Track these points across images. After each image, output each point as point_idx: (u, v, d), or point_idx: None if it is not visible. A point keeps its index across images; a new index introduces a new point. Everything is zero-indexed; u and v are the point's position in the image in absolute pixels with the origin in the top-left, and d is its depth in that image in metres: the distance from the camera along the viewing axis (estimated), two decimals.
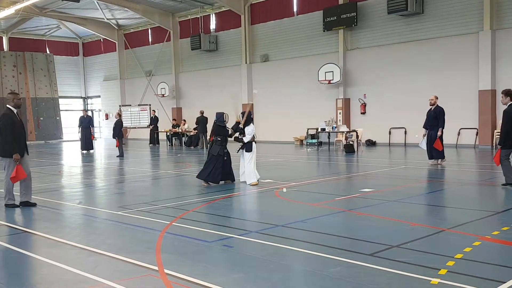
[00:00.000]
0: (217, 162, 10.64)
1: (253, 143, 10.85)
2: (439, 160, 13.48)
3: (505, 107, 9.45)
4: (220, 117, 10.92)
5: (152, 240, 6.01)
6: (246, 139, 10.74)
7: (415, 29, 20.60)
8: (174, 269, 4.79)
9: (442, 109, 13.47)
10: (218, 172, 10.64)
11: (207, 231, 6.42)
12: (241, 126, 10.86)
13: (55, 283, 4.74)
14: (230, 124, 11.22)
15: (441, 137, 13.28)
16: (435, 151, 13.35)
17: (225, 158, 10.80)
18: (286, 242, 5.79)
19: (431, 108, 13.61)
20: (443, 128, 13.33)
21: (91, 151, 22.27)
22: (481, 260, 4.87)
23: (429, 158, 13.61)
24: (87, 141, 22.23)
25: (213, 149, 10.76)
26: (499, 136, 9.59)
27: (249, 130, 10.78)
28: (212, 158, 10.67)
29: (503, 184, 9.59)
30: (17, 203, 8.48)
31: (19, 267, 5.22)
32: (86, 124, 22.45)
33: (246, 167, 10.74)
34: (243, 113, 11.09)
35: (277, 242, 5.77)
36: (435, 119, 13.38)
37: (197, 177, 10.86)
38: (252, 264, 4.97)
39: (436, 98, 13.70)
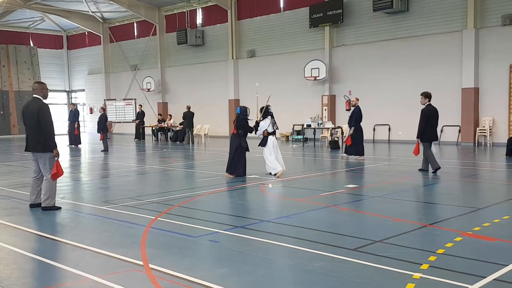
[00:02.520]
0: (244, 154, 11.17)
1: (270, 137, 11.16)
2: (347, 155, 14.70)
3: (423, 106, 11.35)
4: (244, 111, 11.34)
5: (136, 235, 6.00)
6: (258, 133, 11.24)
7: (400, 26, 20.76)
8: (159, 264, 4.79)
9: (358, 110, 14.54)
10: (243, 164, 11.18)
11: (193, 226, 6.43)
12: (257, 120, 11.40)
13: (38, 277, 4.72)
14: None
15: (352, 135, 14.37)
16: (349, 146, 14.53)
17: (248, 150, 11.33)
18: (271, 237, 5.83)
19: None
20: (354, 126, 14.42)
21: (74, 146, 21.95)
22: (462, 255, 4.96)
23: (353, 155, 14.70)
24: (70, 136, 21.95)
25: (243, 142, 11.14)
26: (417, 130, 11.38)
27: (261, 125, 11.18)
28: (243, 151, 11.08)
29: (433, 172, 11.19)
30: (58, 204, 7.75)
31: (1, 262, 5.17)
32: (71, 118, 22.12)
33: (266, 160, 11.18)
34: (261, 109, 11.46)
35: (263, 237, 5.80)
36: (351, 119, 14.61)
37: (232, 174, 11.12)
38: (237, 259, 4.99)
39: (357, 99, 14.88)
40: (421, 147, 11.48)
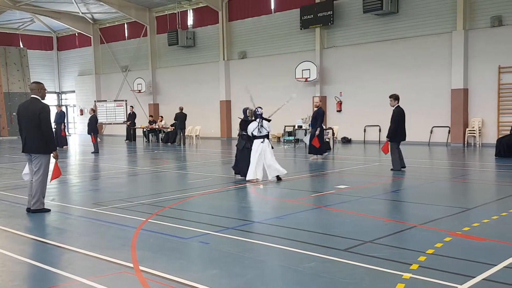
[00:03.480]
0: (249, 155, 10.82)
1: (255, 141, 10.61)
2: (318, 156, 14.98)
3: (393, 108, 11.84)
4: (244, 113, 11.13)
5: (127, 237, 5.97)
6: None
7: (390, 28, 20.87)
8: (149, 266, 4.78)
9: (322, 111, 15.16)
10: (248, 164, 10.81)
11: (183, 228, 6.42)
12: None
13: (28, 280, 4.68)
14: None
15: (318, 136, 14.71)
16: (313, 147, 14.88)
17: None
18: (262, 238, 5.83)
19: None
20: (319, 127, 14.80)
21: (65, 146, 21.83)
22: (452, 256, 4.99)
23: (309, 153, 15.35)
24: (56, 138, 21.76)
25: (247, 143, 10.88)
26: (388, 131, 11.87)
27: (248, 128, 10.75)
28: (249, 152, 10.76)
29: (391, 169, 11.81)
30: (47, 207, 7.70)
31: None
32: (57, 120, 22.00)
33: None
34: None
35: (253, 238, 5.81)
36: (315, 119, 14.94)
37: (237, 173, 11.01)
38: (228, 260, 4.99)
39: (320, 101, 15.67)
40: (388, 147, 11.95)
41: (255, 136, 10.65)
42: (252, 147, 10.61)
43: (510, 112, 17.88)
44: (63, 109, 24.30)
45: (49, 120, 7.47)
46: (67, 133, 23.87)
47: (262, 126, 10.62)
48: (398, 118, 11.66)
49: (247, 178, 10.49)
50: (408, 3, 20.25)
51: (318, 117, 14.88)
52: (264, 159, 10.50)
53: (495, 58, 18.19)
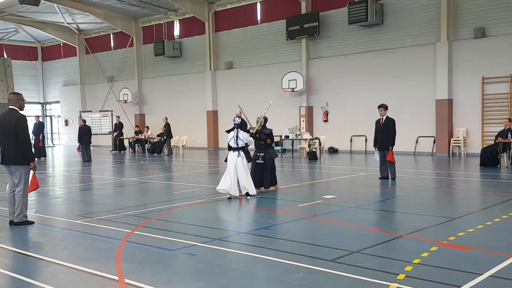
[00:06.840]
0: (253, 167, 10.54)
1: (230, 153, 9.94)
2: None
3: (382, 118, 12.12)
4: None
5: (112, 249, 5.89)
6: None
7: (375, 39, 21.09)
8: (134, 279, 4.71)
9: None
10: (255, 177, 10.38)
11: (170, 239, 6.35)
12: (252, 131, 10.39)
13: None
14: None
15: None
16: None
17: (257, 162, 10.55)
18: (249, 249, 5.79)
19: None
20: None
21: (43, 158, 21.56)
22: (438, 265, 5.00)
23: None
24: (35, 149, 21.48)
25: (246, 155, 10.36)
26: (390, 140, 11.97)
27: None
28: (252, 165, 10.55)
29: (380, 178, 12.08)
30: (30, 219, 7.61)
31: None
32: (35, 131, 21.77)
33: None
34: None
35: (240, 249, 5.77)
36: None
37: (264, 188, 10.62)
38: (214, 272, 4.94)
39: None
40: (378, 155, 12.28)
41: (230, 147, 10.00)
42: (228, 159, 9.97)
43: (494, 122, 18.10)
44: (42, 119, 24.11)
45: (26, 131, 7.38)
46: (46, 143, 23.60)
47: (238, 137, 9.90)
48: (394, 126, 12.01)
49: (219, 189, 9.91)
50: (392, 15, 20.50)
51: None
52: (236, 173, 9.77)
53: (479, 69, 18.46)
